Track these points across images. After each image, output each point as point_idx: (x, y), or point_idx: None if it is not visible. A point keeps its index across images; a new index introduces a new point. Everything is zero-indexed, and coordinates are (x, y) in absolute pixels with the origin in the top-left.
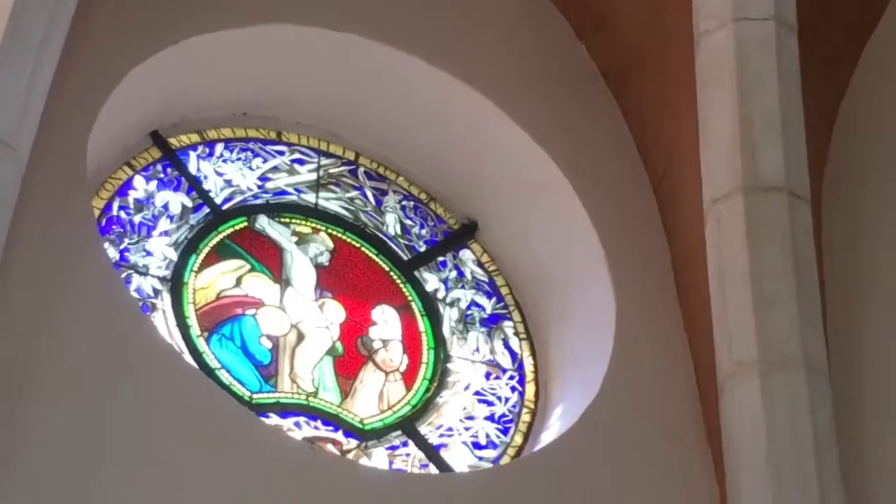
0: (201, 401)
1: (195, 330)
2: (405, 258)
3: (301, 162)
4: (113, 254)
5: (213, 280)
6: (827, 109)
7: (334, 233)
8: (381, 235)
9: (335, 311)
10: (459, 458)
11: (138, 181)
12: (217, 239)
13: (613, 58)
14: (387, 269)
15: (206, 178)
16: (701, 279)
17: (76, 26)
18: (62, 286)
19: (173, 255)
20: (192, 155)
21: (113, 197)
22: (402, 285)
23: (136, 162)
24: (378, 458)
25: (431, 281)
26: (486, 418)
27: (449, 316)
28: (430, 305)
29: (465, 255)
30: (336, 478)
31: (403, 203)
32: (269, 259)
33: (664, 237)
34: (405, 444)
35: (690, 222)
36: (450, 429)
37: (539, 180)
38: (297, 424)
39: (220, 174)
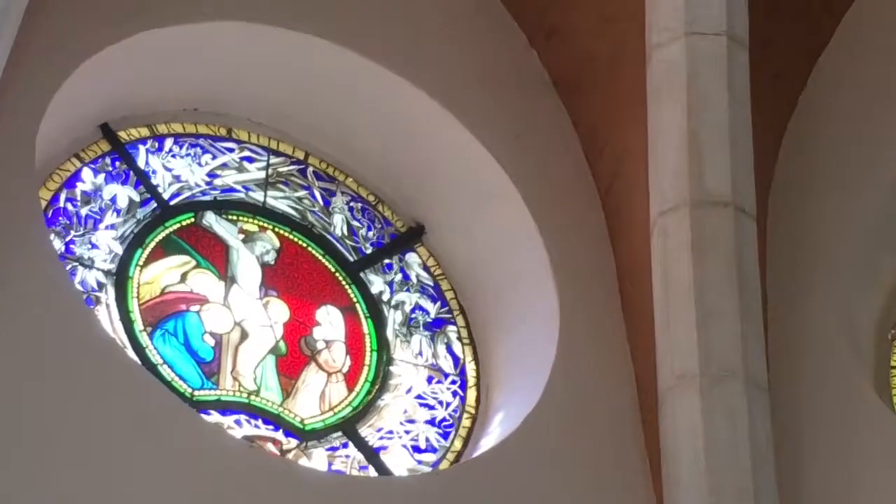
0: (142, 396)
1: (138, 325)
2: (351, 259)
3: (250, 160)
4: (58, 245)
5: (158, 275)
6: (775, 126)
7: (281, 232)
8: (327, 236)
9: (279, 311)
10: (399, 462)
11: (86, 173)
12: (163, 234)
13: (565, 66)
14: (332, 269)
15: (154, 172)
16: (645, 290)
17: (29, 17)
18: (6, 276)
19: (119, 249)
20: (142, 149)
21: (60, 188)
22: (347, 286)
23: (85, 154)
24: (318, 458)
25: (377, 283)
26: (427, 422)
27: (393, 319)
28: (375, 308)
29: (411, 258)
30: (275, 478)
31: (351, 204)
32: (215, 256)
33: (610, 247)
34: (345, 446)
35: (636, 233)
36: (390, 432)
37: (487, 186)
38: (238, 422)
39: (168, 169)
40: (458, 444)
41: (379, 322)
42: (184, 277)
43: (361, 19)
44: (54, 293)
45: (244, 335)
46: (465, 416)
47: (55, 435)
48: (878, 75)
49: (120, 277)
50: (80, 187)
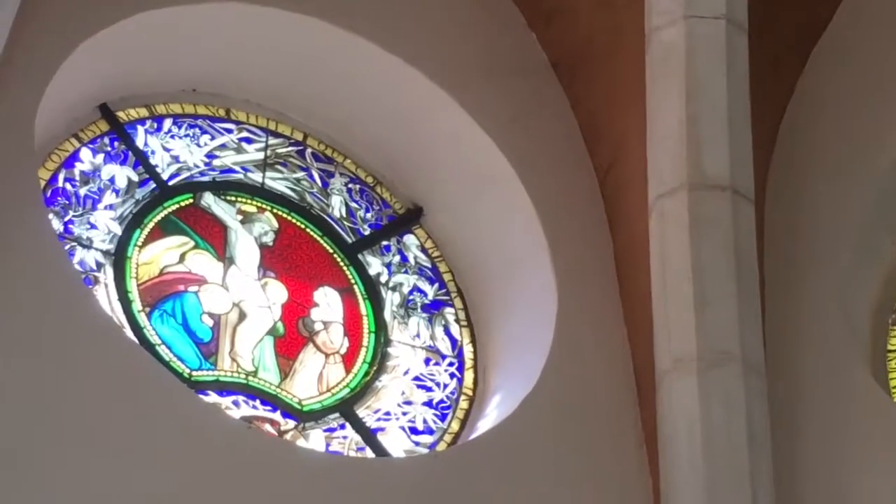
0: (140, 376)
1: (137, 305)
2: (349, 241)
3: (249, 141)
4: (57, 225)
5: (157, 256)
6: (774, 110)
7: (279, 213)
8: (326, 217)
9: (278, 292)
10: (396, 443)
11: (85, 154)
12: (162, 214)
13: (564, 49)
14: (330, 251)
15: (153, 153)
16: (643, 274)
17: None
18: (5, 256)
19: (117, 229)
20: (140, 129)
21: (59, 168)
22: (345, 268)
23: (84, 134)
24: (315, 439)
25: (375, 265)
26: (424, 404)
27: (391, 300)
28: (373, 289)
29: (410, 240)
30: (272, 458)
31: (350, 186)
32: (214, 237)
33: (608, 230)
34: (343, 427)
35: (634, 217)
36: (387, 413)
37: (486, 168)
38: (236, 403)
39: (167, 150)
40: (455, 426)
41: (377, 303)
42: (182, 258)
43: (361, 1)
44: (53, 273)
45: (242, 316)
46: (463, 398)
47: (52, 415)
48: (877, 60)
49: (118, 258)
50: (79, 167)
